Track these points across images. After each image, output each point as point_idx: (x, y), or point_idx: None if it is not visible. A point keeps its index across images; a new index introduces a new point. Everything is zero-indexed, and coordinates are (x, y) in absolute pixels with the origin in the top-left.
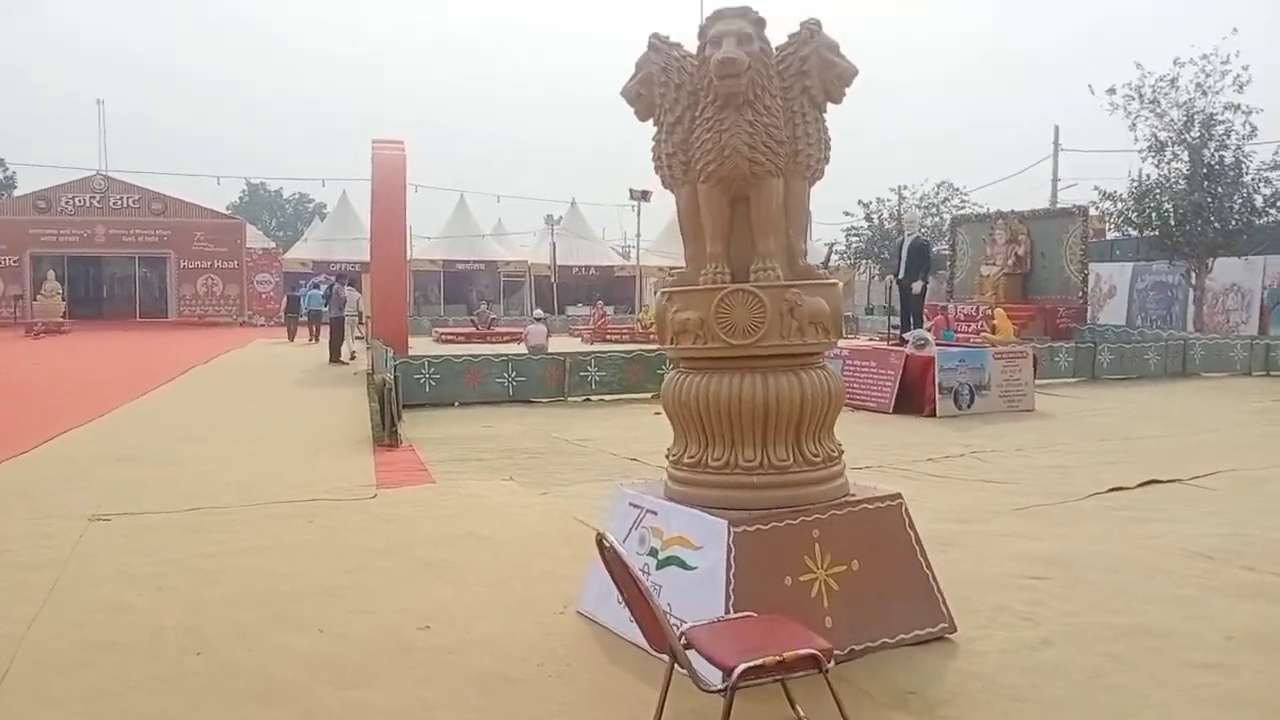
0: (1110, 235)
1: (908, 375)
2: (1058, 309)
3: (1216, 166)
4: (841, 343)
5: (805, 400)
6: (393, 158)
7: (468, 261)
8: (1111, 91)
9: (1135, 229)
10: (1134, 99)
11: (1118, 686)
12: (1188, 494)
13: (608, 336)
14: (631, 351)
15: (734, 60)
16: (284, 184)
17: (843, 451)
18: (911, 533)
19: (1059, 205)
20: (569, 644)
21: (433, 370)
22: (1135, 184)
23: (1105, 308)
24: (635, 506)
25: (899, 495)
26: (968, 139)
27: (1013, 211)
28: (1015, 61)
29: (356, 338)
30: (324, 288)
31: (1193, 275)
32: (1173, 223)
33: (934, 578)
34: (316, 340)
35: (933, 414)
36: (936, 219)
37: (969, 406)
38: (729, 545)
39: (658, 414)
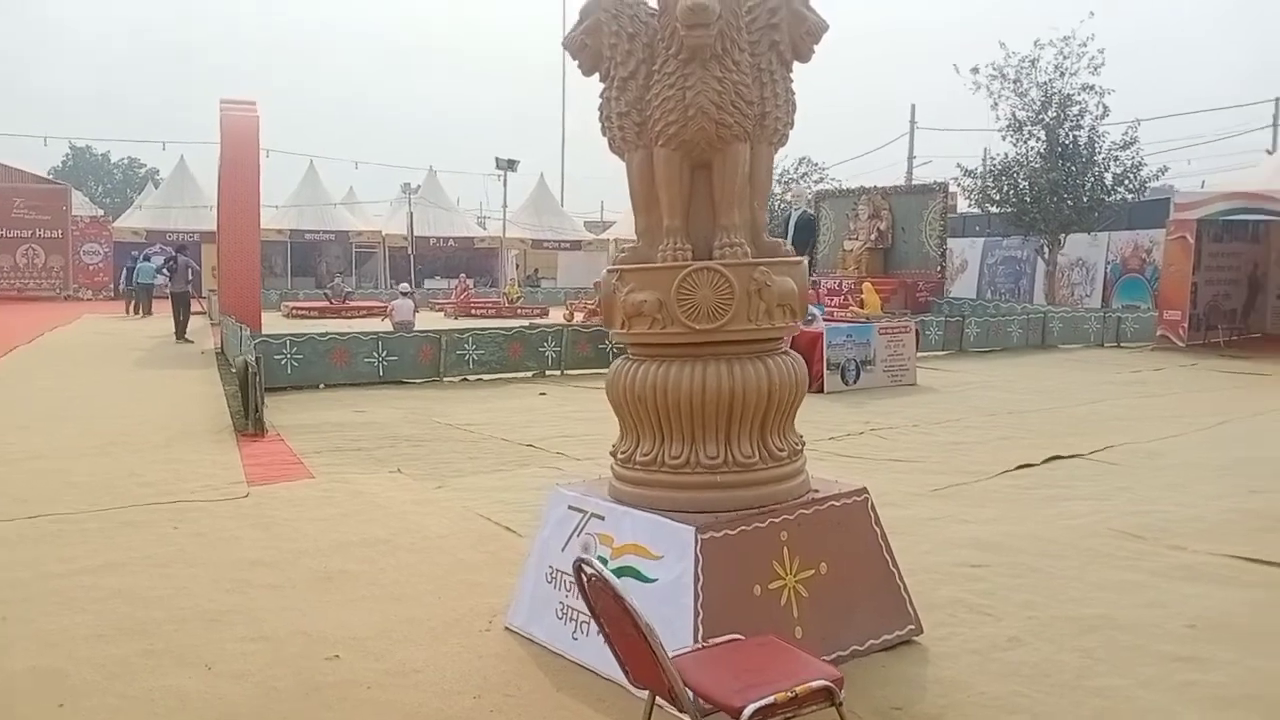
0: (962, 210)
1: (796, 350)
2: (918, 283)
3: (1071, 146)
4: None
5: (773, 390)
6: (244, 120)
7: (317, 231)
8: (975, 71)
9: (994, 205)
10: (997, 78)
11: (1105, 690)
12: (1091, 469)
13: (472, 311)
14: (512, 329)
15: (705, 7)
16: (112, 146)
17: (804, 444)
18: (878, 529)
19: (916, 182)
20: (505, 669)
21: (295, 350)
22: (994, 162)
23: (957, 281)
24: (576, 510)
25: (865, 490)
26: (827, 116)
27: (875, 187)
28: (876, 43)
29: (196, 313)
30: (158, 259)
31: (1046, 250)
32: (1029, 200)
33: (900, 576)
34: (146, 314)
35: (820, 389)
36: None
37: (855, 382)
38: (696, 554)
39: (543, 394)
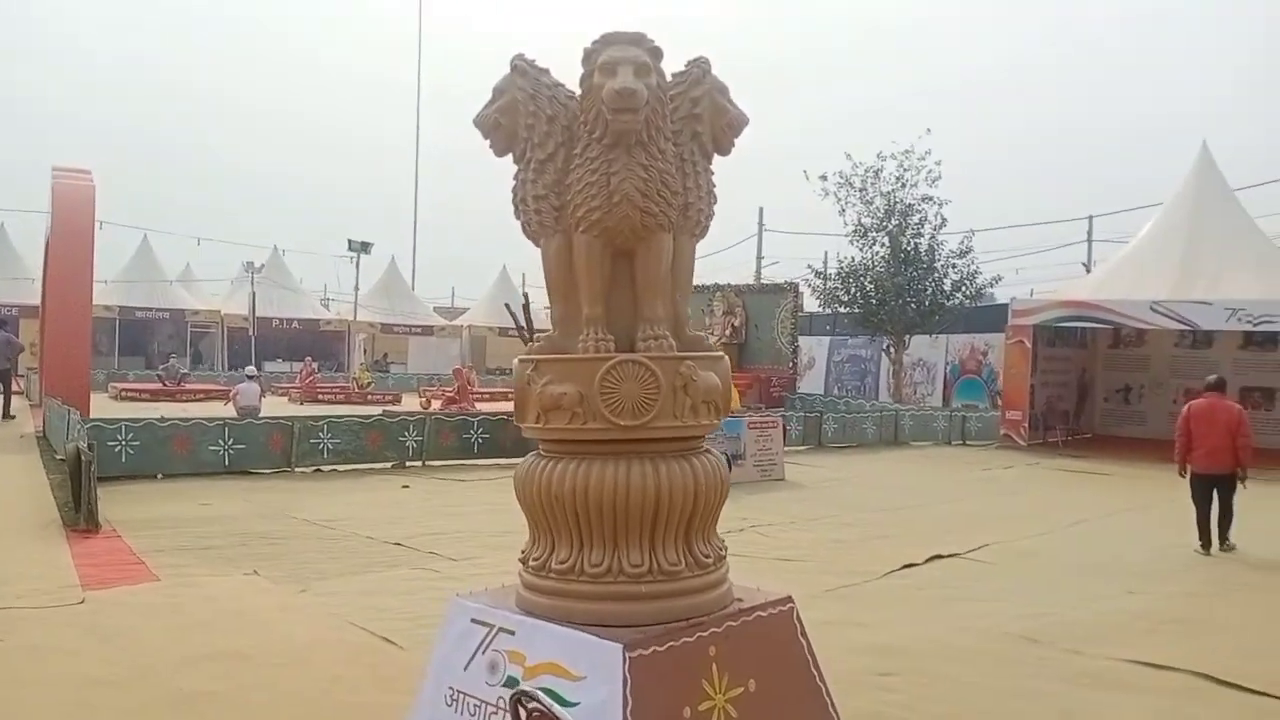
0: (809, 309)
1: None
2: (771, 378)
3: (912, 252)
4: None
5: (699, 491)
6: (78, 189)
7: (149, 309)
8: (824, 178)
9: (843, 305)
10: (844, 185)
11: None
12: (971, 569)
13: (319, 396)
14: (369, 417)
15: (634, 92)
16: None
17: (727, 550)
18: (804, 641)
19: (764, 281)
20: None
21: (131, 436)
22: (841, 265)
23: (805, 377)
24: (480, 624)
25: (790, 599)
26: None
27: (729, 285)
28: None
29: (14, 393)
30: None
31: (892, 350)
32: (875, 301)
33: (828, 692)
34: None
35: None
36: None
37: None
38: (624, 674)
39: (406, 487)
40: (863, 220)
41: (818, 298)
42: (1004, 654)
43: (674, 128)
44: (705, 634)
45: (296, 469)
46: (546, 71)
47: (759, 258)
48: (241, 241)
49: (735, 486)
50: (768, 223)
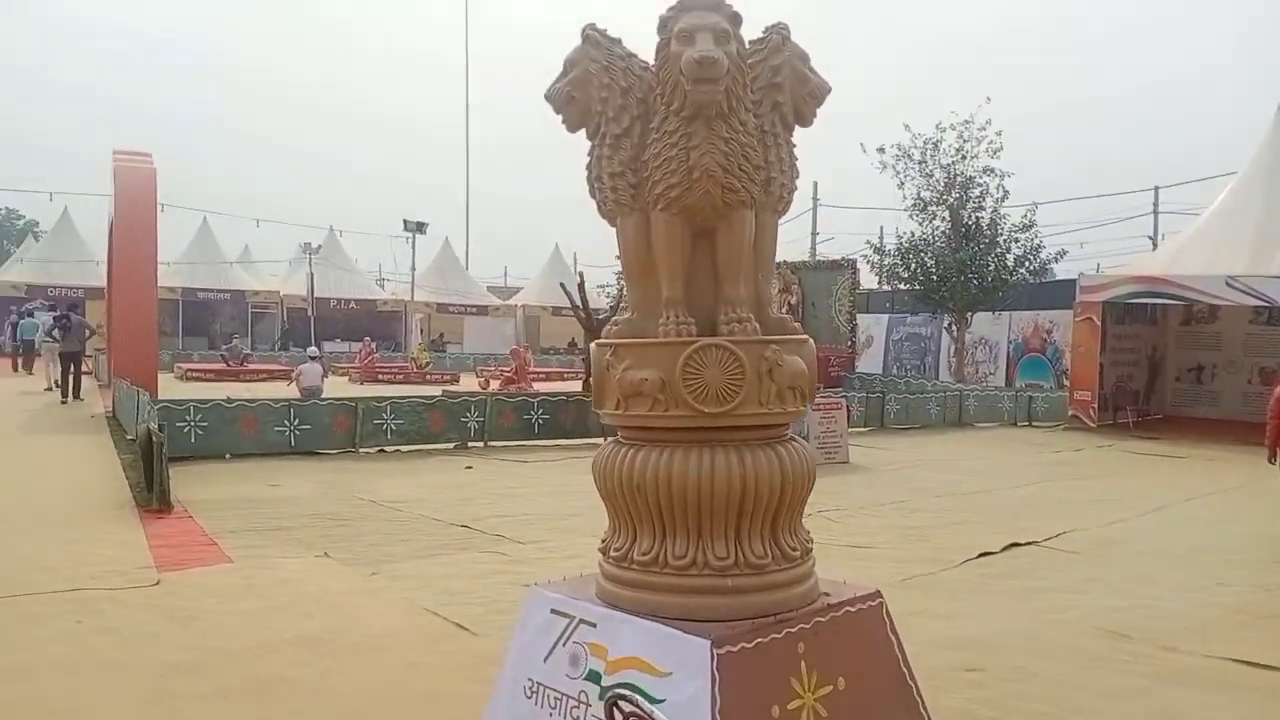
0: (866, 286)
1: None
2: (829, 358)
3: (974, 226)
4: None
5: (786, 481)
6: (140, 173)
7: (210, 290)
8: (881, 150)
9: (902, 282)
10: (902, 158)
11: None
12: (1052, 558)
13: (379, 376)
14: (432, 397)
15: (715, 61)
16: None
17: (813, 542)
18: (894, 638)
19: (820, 258)
20: None
21: (199, 417)
22: (901, 240)
23: (863, 356)
24: (561, 615)
25: (878, 593)
26: None
27: (785, 262)
28: None
29: (84, 373)
30: (44, 316)
31: (954, 328)
32: (935, 278)
33: (918, 691)
34: (29, 372)
35: None
36: None
37: None
38: (712, 671)
39: (469, 467)
40: (922, 194)
41: (876, 274)
42: (1095, 650)
43: (754, 98)
44: (794, 630)
45: (361, 450)
46: (619, 41)
47: (814, 233)
48: (299, 223)
49: None
50: (823, 198)
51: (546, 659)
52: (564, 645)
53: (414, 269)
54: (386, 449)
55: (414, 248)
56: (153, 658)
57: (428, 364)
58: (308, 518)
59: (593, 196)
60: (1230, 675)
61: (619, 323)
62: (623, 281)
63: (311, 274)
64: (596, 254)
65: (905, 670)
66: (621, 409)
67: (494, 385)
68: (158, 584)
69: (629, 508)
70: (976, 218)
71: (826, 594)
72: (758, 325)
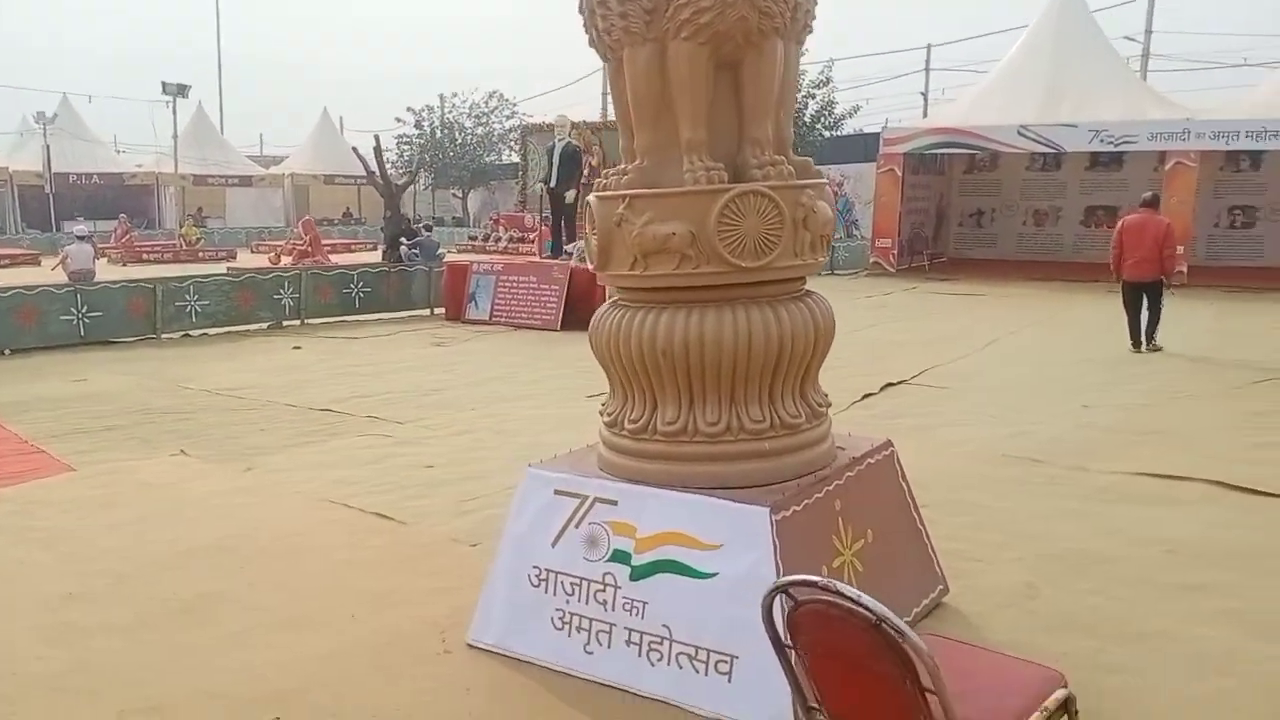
0: None
1: (574, 290)
2: None
3: None
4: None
5: (818, 335)
6: None
7: None
8: None
9: None
10: None
11: (1167, 633)
12: (927, 395)
13: (143, 256)
14: (241, 273)
15: None
16: None
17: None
18: (905, 485)
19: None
20: (515, 705)
21: None
22: None
23: None
24: (568, 495)
25: (889, 443)
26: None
27: (585, 122)
28: None
29: None
30: None
31: None
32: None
33: (927, 534)
34: None
35: None
36: (486, 129)
37: None
38: (773, 540)
39: (297, 348)
40: None
41: None
42: (1015, 476)
43: None
44: (831, 488)
45: (164, 335)
46: None
47: (605, 94)
48: (22, 87)
49: None
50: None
51: (555, 544)
52: (576, 528)
53: (176, 137)
54: (192, 333)
55: (175, 113)
56: (32, 590)
57: (198, 240)
58: (139, 414)
59: (589, 29)
60: (1150, 489)
61: (625, 170)
62: (616, 127)
63: (47, 146)
64: (367, 118)
65: (916, 515)
66: (640, 269)
67: (286, 261)
68: None
69: (649, 376)
70: None
71: (841, 448)
72: (791, 168)
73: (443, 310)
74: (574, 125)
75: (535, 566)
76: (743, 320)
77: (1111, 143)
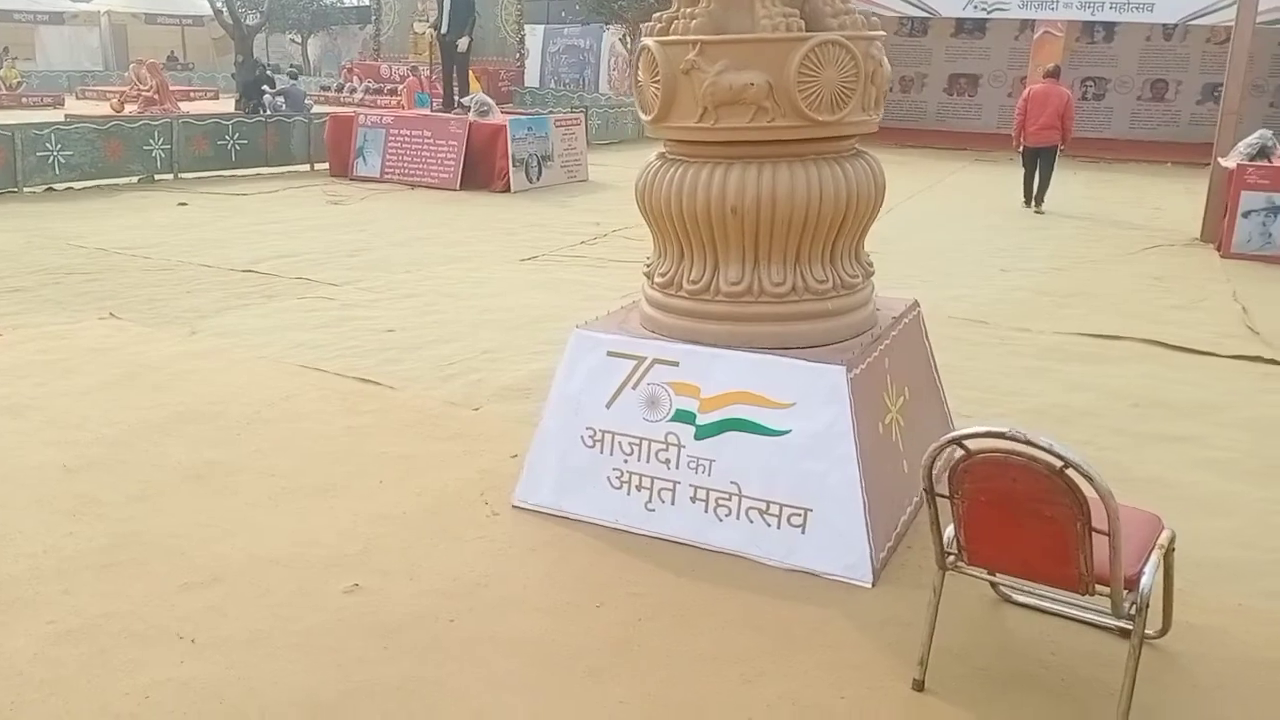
0: None
1: (472, 146)
2: (499, 71)
3: None
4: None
5: (878, 193)
6: None
7: None
8: None
9: None
10: None
11: (1162, 480)
12: None
13: None
14: (107, 120)
15: None
16: None
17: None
18: (928, 342)
19: None
20: (582, 562)
21: None
22: None
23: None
24: (622, 356)
25: (917, 303)
26: None
27: None
28: None
29: None
30: None
31: (628, 40)
32: None
33: (943, 391)
34: None
35: (506, 189)
36: None
37: (538, 179)
38: (849, 397)
39: (184, 204)
40: None
41: None
42: (969, 337)
43: None
44: (883, 347)
45: (25, 189)
46: None
47: None
48: None
49: (548, 190)
50: None
51: (610, 405)
52: (634, 389)
53: None
54: (56, 186)
55: None
56: (23, 462)
57: (19, 84)
58: (41, 274)
59: None
60: (1091, 348)
61: (693, 14)
62: None
63: None
64: None
65: (936, 374)
66: (710, 120)
67: (131, 109)
68: None
69: (710, 234)
70: None
71: (877, 309)
72: (861, 17)
73: (325, 165)
74: None
75: (589, 428)
76: (814, 177)
77: (984, 9)
